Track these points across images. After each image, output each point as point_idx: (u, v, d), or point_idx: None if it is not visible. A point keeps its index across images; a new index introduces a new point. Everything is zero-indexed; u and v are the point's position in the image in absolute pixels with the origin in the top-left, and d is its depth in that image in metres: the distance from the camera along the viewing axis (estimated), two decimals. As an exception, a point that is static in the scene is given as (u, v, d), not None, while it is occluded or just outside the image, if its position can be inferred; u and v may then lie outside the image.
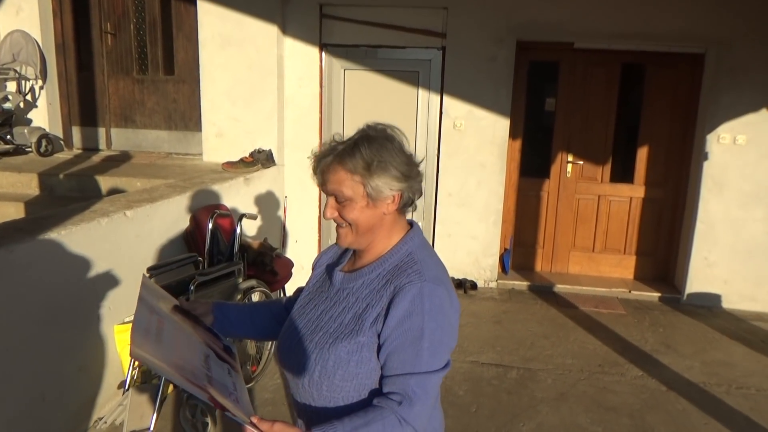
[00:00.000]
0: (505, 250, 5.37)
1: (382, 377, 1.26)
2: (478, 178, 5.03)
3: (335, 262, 1.45)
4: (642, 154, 5.15)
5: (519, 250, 5.45)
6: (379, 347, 1.25)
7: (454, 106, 4.92)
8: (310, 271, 1.53)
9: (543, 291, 5.15)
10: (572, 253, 5.42)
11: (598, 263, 5.40)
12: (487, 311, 4.71)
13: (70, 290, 2.73)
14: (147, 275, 1.40)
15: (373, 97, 5.10)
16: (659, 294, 5.04)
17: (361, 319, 1.27)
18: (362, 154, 1.25)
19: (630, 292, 5.09)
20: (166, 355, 1.17)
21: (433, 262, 1.33)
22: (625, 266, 5.37)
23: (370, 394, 1.27)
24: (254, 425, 1.12)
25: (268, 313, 1.57)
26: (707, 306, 4.89)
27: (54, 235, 2.61)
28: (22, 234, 2.54)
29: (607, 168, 5.21)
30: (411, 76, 5.00)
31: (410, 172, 1.30)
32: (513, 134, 5.09)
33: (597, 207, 5.30)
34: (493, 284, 5.22)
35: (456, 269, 5.21)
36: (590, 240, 5.38)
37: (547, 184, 5.31)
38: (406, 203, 1.33)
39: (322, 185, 1.32)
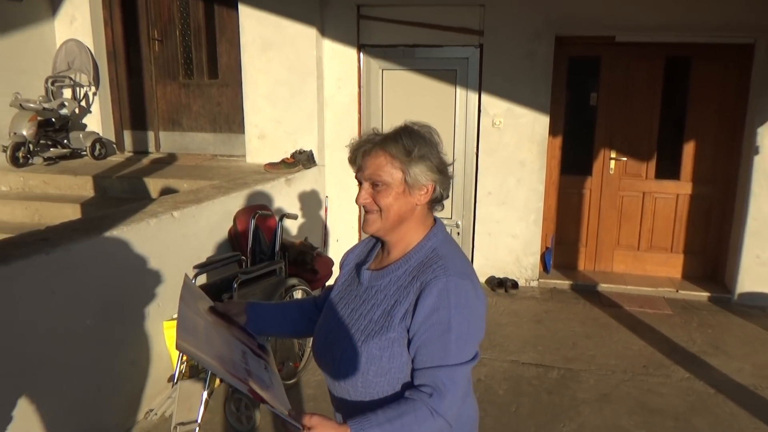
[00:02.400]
0: (547, 248, 5.31)
1: (413, 370, 1.30)
2: (517, 176, 4.99)
3: (363, 261, 1.48)
4: (689, 149, 4.99)
5: (561, 248, 5.37)
6: (409, 342, 1.29)
7: (492, 103, 4.90)
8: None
9: (586, 290, 5.06)
10: (616, 252, 5.31)
11: (643, 262, 5.27)
12: (528, 310, 4.67)
13: (122, 288, 2.86)
14: (188, 276, 1.47)
15: (411, 96, 5.12)
16: (708, 294, 4.88)
17: (390, 315, 1.31)
18: (404, 142, 1.31)
19: (677, 291, 4.95)
20: (208, 349, 1.23)
21: (457, 256, 1.37)
22: (672, 265, 5.22)
23: (403, 387, 1.31)
24: (293, 417, 1.17)
25: (300, 312, 1.61)
26: (760, 306, 4.71)
27: (107, 235, 2.74)
28: (78, 234, 2.68)
29: (652, 164, 5.08)
30: (449, 75, 5.00)
31: (443, 168, 1.36)
32: (553, 131, 5.02)
33: (642, 204, 5.17)
34: (534, 283, 5.17)
35: (497, 268, 5.19)
36: (635, 238, 5.25)
37: (589, 182, 5.22)
38: (437, 198, 1.38)
39: (359, 171, 1.36)
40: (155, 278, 3.05)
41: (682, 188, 5.07)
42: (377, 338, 1.30)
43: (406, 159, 1.30)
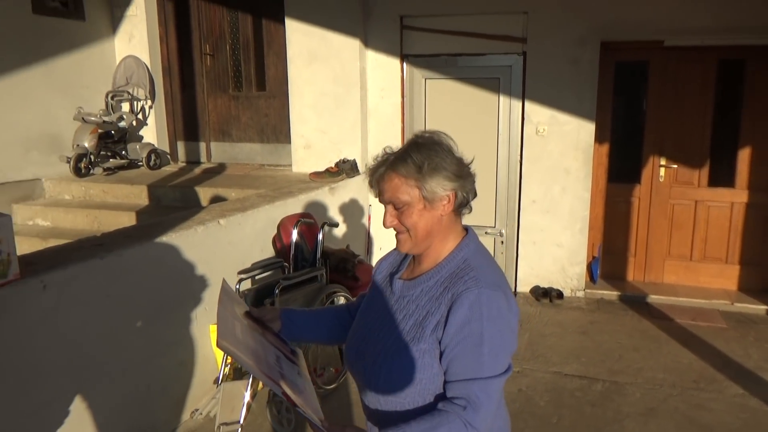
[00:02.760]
0: (593, 258, 5.19)
1: (445, 382, 1.29)
2: (562, 184, 4.92)
3: (395, 270, 1.49)
4: (744, 156, 4.79)
5: (608, 258, 5.24)
6: (441, 353, 1.28)
7: (536, 111, 4.85)
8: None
9: (634, 301, 4.92)
10: (667, 262, 5.14)
11: (696, 273, 5.08)
12: (573, 321, 4.58)
13: (171, 291, 3.00)
14: (226, 281, 1.53)
15: (454, 105, 5.14)
16: (766, 307, 4.66)
17: (421, 326, 1.31)
18: (413, 159, 1.30)
19: (732, 304, 4.74)
20: (245, 350, 1.28)
21: (489, 267, 1.36)
22: (727, 276, 5.01)
23: (435, 398, 1.30)
24: (325, 426, 1.18)
25: (334, 319, 1.63)
26: (823, 321, 4.46)
27: (157, 241, 2.88)
28: (131, 240, 2.83)
29: (705, 172, 4.90)
30: (491, 83, 4.99)
31: (461, 171, 1.34)
32: (599, 138, 4.93)
33: (694, 213, 4.99)
34: (580, 293, 5.06)
35: (541, 278, 5.11)
36: (687, 248, 5.07)
37: (638, 190, 5.08)
38: (461, 203, 1.36)
39: (379, 196, 1.37)
40: (202, 283, 3.17)
41: (737, 196, 4.87)
42: (408, 349, 1.30)
43: (419, 176, 1.29)
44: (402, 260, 1.50)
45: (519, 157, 5.01)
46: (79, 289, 2.44)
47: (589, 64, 4.67)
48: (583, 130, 4.77)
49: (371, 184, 1.39)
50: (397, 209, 1.34)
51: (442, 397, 1.30)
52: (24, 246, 3.67)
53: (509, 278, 5.25)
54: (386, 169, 1.34)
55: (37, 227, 4.92)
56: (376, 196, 1.39)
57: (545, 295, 4.99)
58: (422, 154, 1.31)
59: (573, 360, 3.91)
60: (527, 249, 5.12)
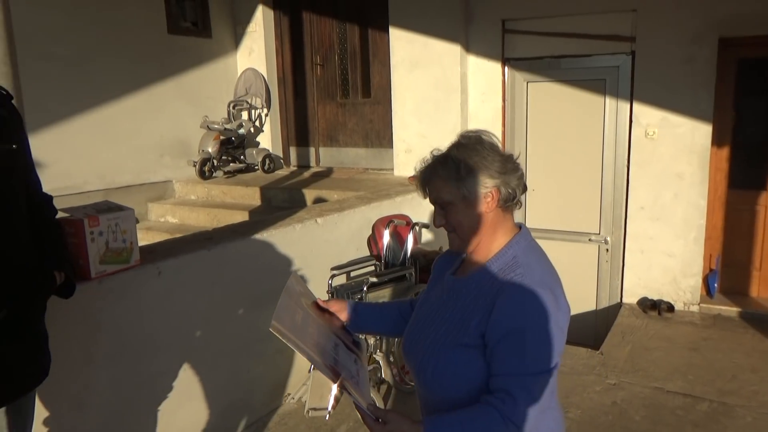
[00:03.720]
0: (711, 270, 4.80)
1: (489, 376, 1.32)
2: (674, 190, 4.61)
3: (450, 267, 1.53)
4: None
5: (728, 271, 4.82)
6: (485, 348, 1.32)
7: (645, 113, 4.60)
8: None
9: (758, 319, 4.48)
10: (798, 278, 4.63)
11: (834, 291, 4.53)
12: (683, 336, 4.28)
13: (269, 284, 3.24)
14: (295, 273, 1.66)
15: (557, 108, 5.01)
16: None
17: (467, 322, 1.34)
18: (452, 159, 1.36)
19: None
20: (299, 334, 1.38)
21: (539, 265, 1.37)
22: None
23: (479, 392, 1.33)
24: (370, 410, 1.26)
25: (397, 312, 1.70)
26: None
27: (258, 236, 3.15)
28: (236, 235, 3.12)
29: None
30: (597, 85, 4.81)
31: (504, 168, 1.36)
32: (717, 142, 4.56)
33: (832, 224, 4.46)
34: (694, 308, 4.71)
35: (649, 288, 4.83)
36: (823, 263, 4.54)
37: (763, 197, 4.63)
38: (507, 199, 1.37)
39: (428, 196, 1.42)
40: (300, 276, 3.40)
41: None
42: (454, 344, 1.34)
43: (458, 175, 1.34)
44: (457, 257, 1.55)
45: (626, 161, 4.77)
46: (189, 277, 2.75)
47: (706, 63, 4.34)
48: (699, 132, 4.45)
49: (418, 187, 1.44)
50: (443, 209, 1.39)
51: (487, 391, 1.32)
52: (156, 240, 4.13)
53: (614, 288, 5.01)
54: (430, 172, 1.40)
55: (167, 224, 5.52)
56: (425, 197, 1.44)
57: (654, 307, 4.70)
58: (461, 154, 1.35)
59: (678, 377, 3.67)
60: (635, 258, 4.86)
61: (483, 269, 1.40)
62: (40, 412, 2.15)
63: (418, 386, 1.48)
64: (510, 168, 1.37)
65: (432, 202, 1.42)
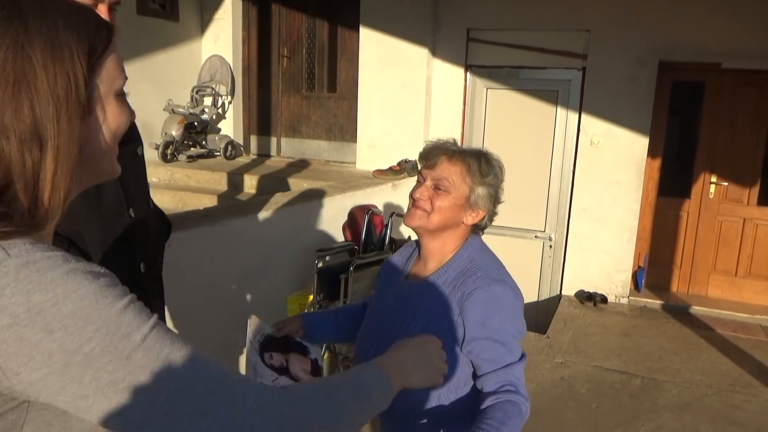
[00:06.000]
0: (639, 267, 5.40)
1: (476, 376, 1.38)
2: (613, 194, 5.16)
3: (401, 271, 1.54)
4: (796, 177, 4.94)
5: (654, 269, 5.44)
6: (461, 351, 1.36)
7: (591, 124, 5.12)
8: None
9: (677, 311, 5.11)
10: (712, 276, 5.30)
11: (740, 288, 5.23)
12: (616, 324, 4.82)
13: (259, 261, 3.44)
14: (253, 317, 1.66)
15: (513, 114, 5.45)
16: (810, 325, 4.79)
17: (434, 325, 1.36)
18: (482, 163, 1.41)
19: (775, 320, 4.89)
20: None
21: (494, 263, 1.44)
22: (772, 294, 5.14)
23: (447, 391, 1.38)
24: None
25: (351, 317, 1.70)
26: None
27: (251, 217, 3.33)
28: (230, 215, 3.28)
29: (755, 191, 5.06)
30: (550, 95, 5.29)
31: (497, 202, 1.47)
32: (652, 153, 5.15)
33: (742, 230, 5.15)
34: (624, 300, 5.28)
35: (586, 282, 5.36)
36: (733, 264, 5.23)
37: (687, 204, 5.28)
38: (481, 226, 1.47)
39: (429, 168, 1.41)
40: (284, 257, 3.61)
41: (786, 216, 5.01)
42: None
43: (478, 178, 1.38)
44: (407, 261, 1.56)
45: (572, 167, 5.28)
46: (195, 250, 2.90)
47: (647, 82, 4.91)
48: (637, 144, 5.01)
49: (426, 154, 1.44)
50: (435, 189, 1.39)
51: (456, 398, 1.37)
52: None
53: (555, 281, 5.51)
54: (455, 153, 1.41)
55: (128, 204, 5.48)
56: (423, 166, 1.44)
57: (590, 299, 5.23)
58: (489, 166, 1.42)
59: (614, 357, 4.17)
60: (575, 254, 5.37)
61: (441, 272, 1.42)
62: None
63: None
64: (497, 204, 1.48)
65: (430, 176, 1.41)
